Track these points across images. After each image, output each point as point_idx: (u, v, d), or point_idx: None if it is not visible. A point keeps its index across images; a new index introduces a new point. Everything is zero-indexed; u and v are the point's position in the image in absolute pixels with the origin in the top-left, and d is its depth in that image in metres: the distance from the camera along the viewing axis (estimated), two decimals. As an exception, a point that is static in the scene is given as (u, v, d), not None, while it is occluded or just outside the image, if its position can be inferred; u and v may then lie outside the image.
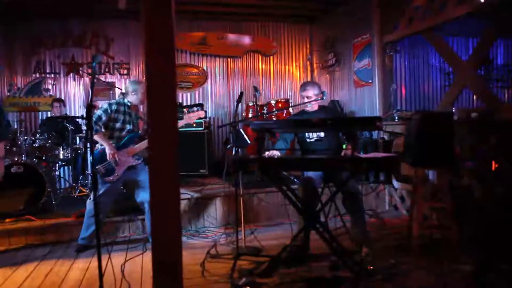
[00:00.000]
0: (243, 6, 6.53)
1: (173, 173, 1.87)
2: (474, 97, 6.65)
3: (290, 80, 7.55)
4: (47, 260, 3.64)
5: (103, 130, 3.72)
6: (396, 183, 4.59)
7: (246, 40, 7.31)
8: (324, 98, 3.54)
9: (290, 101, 6.07)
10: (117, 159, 3.66)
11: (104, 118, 3.69)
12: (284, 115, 5.60)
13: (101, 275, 2.05)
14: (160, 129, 1.84)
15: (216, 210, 4.54)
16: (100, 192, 3.67)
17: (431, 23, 4.54)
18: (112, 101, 3.91)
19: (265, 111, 5.69)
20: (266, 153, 3.21)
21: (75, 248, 3.81)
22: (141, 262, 3.50)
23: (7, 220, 4.14)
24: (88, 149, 5.14)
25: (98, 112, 3.71)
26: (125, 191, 4.90)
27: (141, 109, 4.09)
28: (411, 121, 3.45)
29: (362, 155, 2.77)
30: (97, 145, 3.69)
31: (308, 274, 3.05)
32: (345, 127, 2.95)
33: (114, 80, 6.64)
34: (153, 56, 1.87)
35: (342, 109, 6.30)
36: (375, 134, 5.24)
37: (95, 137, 3.68)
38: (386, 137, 5.03)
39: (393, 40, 5.37)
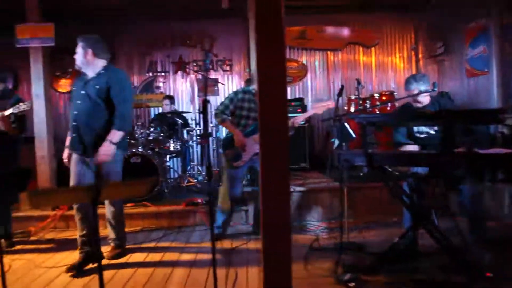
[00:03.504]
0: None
1: (284, 167, 1.91)
2: None
3: (393, 72, 7.22)
4: (162, 243, 3.98)
5: (229, 118, 3.87)
6: (517, 183, 4.14)
7: (346, 32, 7.15)
8: (436, 90, 3.32)
9: (395, 94, 5.80)
10: (245, 144, 3.78)
11: (231, 106, 3.84)
12: (388, 108, 5.38)
13: (214, 259, 2.18)
14: (271, 124, 1.88)
15: (318, 204, 4.53)
16: (225, 177, 3.90)
17: None
18: (239, 89, 4.05)
19: (368, 105, 5.51)
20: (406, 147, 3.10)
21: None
22: (246, 251, 3.64)
23: (128, 204, 4.59)
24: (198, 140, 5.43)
25: (225, 101, 3.88)
26: (249, 177, 5.05)
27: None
28: (539, 113, 3.08)
29: (481, 151, 2.54)
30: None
31: (416, 275, 2.91)
32: (462, 120, 2.73)
33: (217, 77, 6.96)
34: (264, 52, 1.92)
35: (452, 101, 5.84)
36: (492, 128, 4.77)
37: (223, 125, 3.89)
38: (505, 131, 4.55)
39: (515, 23, 4.83)
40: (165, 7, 6.19)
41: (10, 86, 6.71)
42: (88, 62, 3.33)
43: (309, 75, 7.14)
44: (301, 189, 4.61)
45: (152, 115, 6.88)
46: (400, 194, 2.90)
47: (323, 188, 4.61)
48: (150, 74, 7.11)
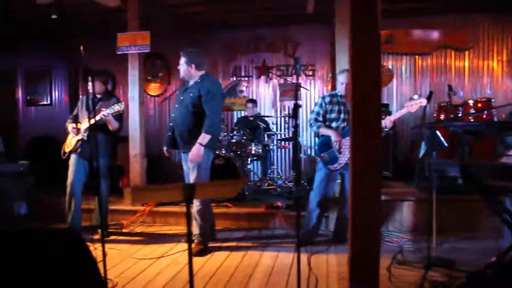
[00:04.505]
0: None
1: (375, 173, 1.85)
2: None
3: (489, 78, 6.66)
4: (242, 243, 4.08)
5: (323, 123, 3.92)
6: None
7: (436, 35, 6.75)
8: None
9: (493, 100, 5.34)
10: (341, 146, 3.78)
11: (321, 111, 3.93)
12: (484, 116, 4.98)
13: (299, 265, 2.18)
14: (364, 130, 1.84)
15: (402, 215, 4.33)
16: (318, 181, 3.91)
17: None
18: (326, 93, 4.16)
19: (460, 112, 5.16)
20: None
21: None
22: (326, 257, 3.60)
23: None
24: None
25: (315, 108, 3.99)
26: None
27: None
28: None
29: None
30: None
31: (517, 300, 2.66)
32: None
33: (300, 82, 6.95)
34: (358, 57, 1.89)
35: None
36: None
37: (319, 131, 3.92)
38: None
39: None
40: (250, 12, 6.34)
41: (110, 88, 7.33)
42: (191, 75, 3.80)
43: (394, 80, 6.85)
44: (384, 197, 4.44)
45: (235, 119, 7.07)
46: (501, 211, 2.67)
47: (408, 197, 4.39)
48: (234, 79, 7.32)
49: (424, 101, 3.58)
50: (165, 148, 4.03)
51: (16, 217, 4.59)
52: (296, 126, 2.02)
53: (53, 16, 4.62)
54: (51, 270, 1.93)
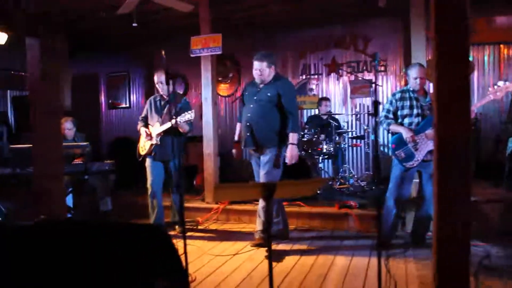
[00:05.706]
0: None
1: (464, 170, 1.74)
2: None
3: None
4: (316, 242, 4.05)
5: (393, 121, 3.81)
6: None
7: (524, 21, 6.19)
8: None
9: None
10: (416, 142, 3.61)
11: (391, 109, 3.83)
12: None
13: (379, 267, 2.11)
14: (451, 126, 1.74)
15: (488, 217, 4.04)
16: (394, 179, 3.78)
17: None
18: (397, 90, 4.09)
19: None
20: None
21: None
22: (404, 260, 3.46)
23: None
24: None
25: (385, 106, 3.90)
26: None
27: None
28: None
29: None
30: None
31: None
32: None
33: (371, 77, 6.73)
34: (444, 49, 1.78)
35: None
36: None
37: (390, 129, 3.82)
38: None
39: None
40: (320, 9, 6.26)
41: (180, 91, 7.62)
42: (269, 76, 3.87)
43: (475, 72, 6.39)
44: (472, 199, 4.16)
45: (305, 117, 7.02)
46: None
47: (495, 198, 4.08)
48: (304, 77, 7.27)
49: (511, 86, 3.28)
50: (235, 150, 4.13)
51: (102, 213, 4.94)
52: (376, 124, 1.98)
53: (134, 24, 4.88)
54: (138, 262, 2.04)
